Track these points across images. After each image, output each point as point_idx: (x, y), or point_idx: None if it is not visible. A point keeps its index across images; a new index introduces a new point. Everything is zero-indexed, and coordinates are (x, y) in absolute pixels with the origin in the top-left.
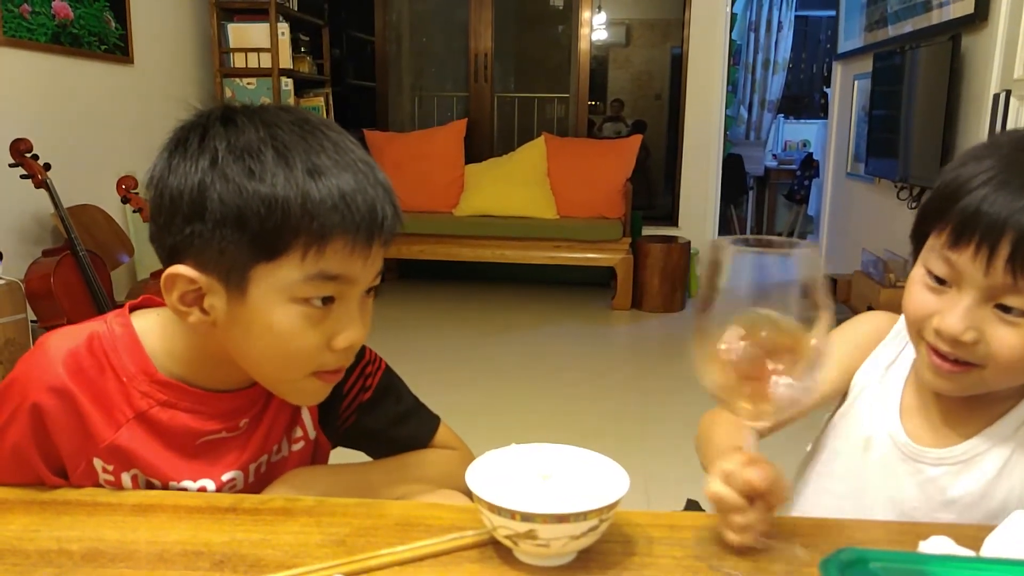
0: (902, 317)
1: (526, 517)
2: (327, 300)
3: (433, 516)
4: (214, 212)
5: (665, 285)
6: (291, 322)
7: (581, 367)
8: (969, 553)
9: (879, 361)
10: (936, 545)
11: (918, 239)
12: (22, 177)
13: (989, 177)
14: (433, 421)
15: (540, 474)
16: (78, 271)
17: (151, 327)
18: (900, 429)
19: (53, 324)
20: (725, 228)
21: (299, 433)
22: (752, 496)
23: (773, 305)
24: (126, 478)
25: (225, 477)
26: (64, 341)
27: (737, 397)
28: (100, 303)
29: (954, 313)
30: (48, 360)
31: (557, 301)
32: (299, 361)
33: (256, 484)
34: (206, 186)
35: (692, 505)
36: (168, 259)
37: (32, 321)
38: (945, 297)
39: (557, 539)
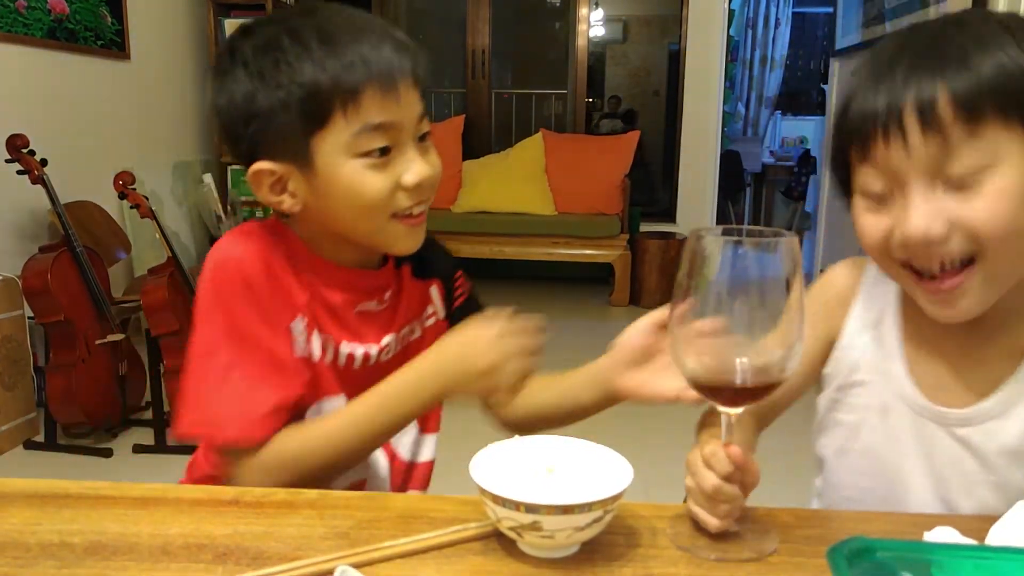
0: (869, 263)
1: (530, 508)
2: (384, 151)
3: (436, 508)
4: (261, 107)
5: (663, 281)
6: (358, 173)
7: (579, 362)
8: (974, 543)
9: (863, 320)
10: (941, 535)
11: (843, 174)
12: (18, 173)
13: (864, 76)
14: None
15: (544, 466)
16: (75, 267)
17: (293, 224)
18: (915, 391)
19: (50, 320)
20: (723, 224)
21: (430, 311)
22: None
23: (750, 295)
24: (316, 342)
25: (384, 341)
26: (242, 230)
27: (712, 384)
28: (97, 299)
29: (907, 215)
30: (239, 240)
31: (555, 297)
32: (377, 206)
33: (402, 354)
34: (250, 90)
35: None
36: (248, 164)
37: (29, 317)
38: (892, 209)
39: (561, 530)
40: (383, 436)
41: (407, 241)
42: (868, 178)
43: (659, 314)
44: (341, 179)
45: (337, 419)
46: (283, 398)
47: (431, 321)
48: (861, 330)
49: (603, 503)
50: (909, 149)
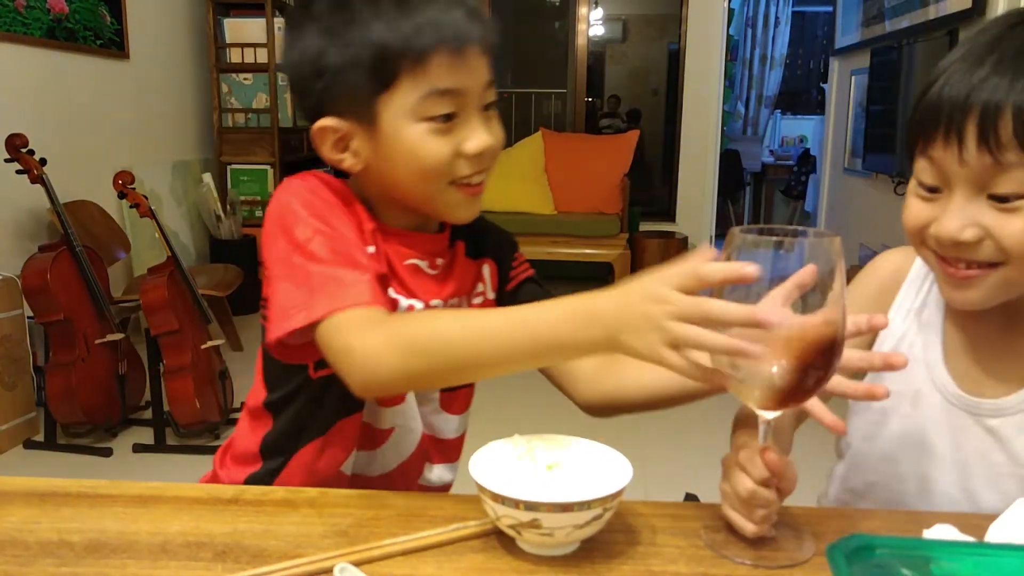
0: None
1: (530, 506)
2: (449, 117)
3: (435, 506)
4: (330, 64)
5: None
6: (420, 137)
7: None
8: (973, 540)
9: (906, 306)
10: (940, 532)
11: (910, 152)
12: (18, 172)
13: (952, 62)
14: None
15: (543, 464)
16: (74, 267)
17: (351, 182)
18: (949, 379)
19: (50, 320)
20: (722, 223)
21: (480, 288)
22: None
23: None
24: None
25: (432, 302)
26: (306, 173)
27: (748, 386)
28: (97, 299)
29: (946, 215)
30: (309, 173)
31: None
32: (437, 171)
33: None
34: (321, 46)
35: (690, 499)
36: (313, 120)
37: (29, 317)
38: (938, 203)
39: (561, 528)
40: (517, 357)
41: (464, 209)
42: (924, 170)
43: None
44: (403, 142)
45: (463, 321)
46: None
47: (479, 300)
48: (904, 316)
49: (602, 501)
50: (963, 159)
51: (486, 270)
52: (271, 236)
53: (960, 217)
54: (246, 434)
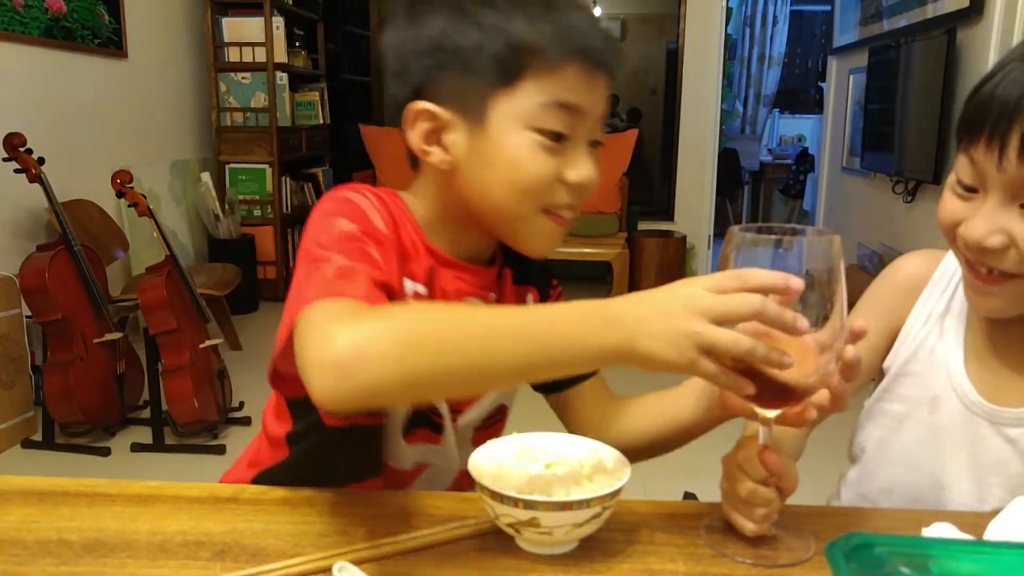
0: (946, 256)
1: (528, 505)
2: (559, 137)
3: (434, 505)
4: (453, 45)
5: (661, 279)
6: (527, 149)
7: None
8: (972, 538)
9: (928, 311)
10: (939, 531)
11: (957, 144)
12: (16, 172)
13: (1012, 59)
14: None
15: (542, 462)
16: (73, 266)
17: (408, 198)
18: (969, 386)
19: (48, 319)
20: (721, 223)
21: None
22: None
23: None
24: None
25: None
26: (361, 187)
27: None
28: (95, 298)
29: (976, 218)
30: (365, 186)
31: None
32: (533, 192)
33: None
34: (448, 26)
35: (689, 498)
36: (408, 102)
37: (27, 316)
38: (972, 204)
39: (559, 527)
40: (533, 360)
41: (546, 241)
42: (963, 168)
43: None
44: (508, 148)
45: (466, 317)
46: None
47: None
48: (925, 321)
49: (601, 500)
50: (1003, 165)
51: (529, 299)
52: (300, 252)
53: (989, 223)
54: (264, 459)
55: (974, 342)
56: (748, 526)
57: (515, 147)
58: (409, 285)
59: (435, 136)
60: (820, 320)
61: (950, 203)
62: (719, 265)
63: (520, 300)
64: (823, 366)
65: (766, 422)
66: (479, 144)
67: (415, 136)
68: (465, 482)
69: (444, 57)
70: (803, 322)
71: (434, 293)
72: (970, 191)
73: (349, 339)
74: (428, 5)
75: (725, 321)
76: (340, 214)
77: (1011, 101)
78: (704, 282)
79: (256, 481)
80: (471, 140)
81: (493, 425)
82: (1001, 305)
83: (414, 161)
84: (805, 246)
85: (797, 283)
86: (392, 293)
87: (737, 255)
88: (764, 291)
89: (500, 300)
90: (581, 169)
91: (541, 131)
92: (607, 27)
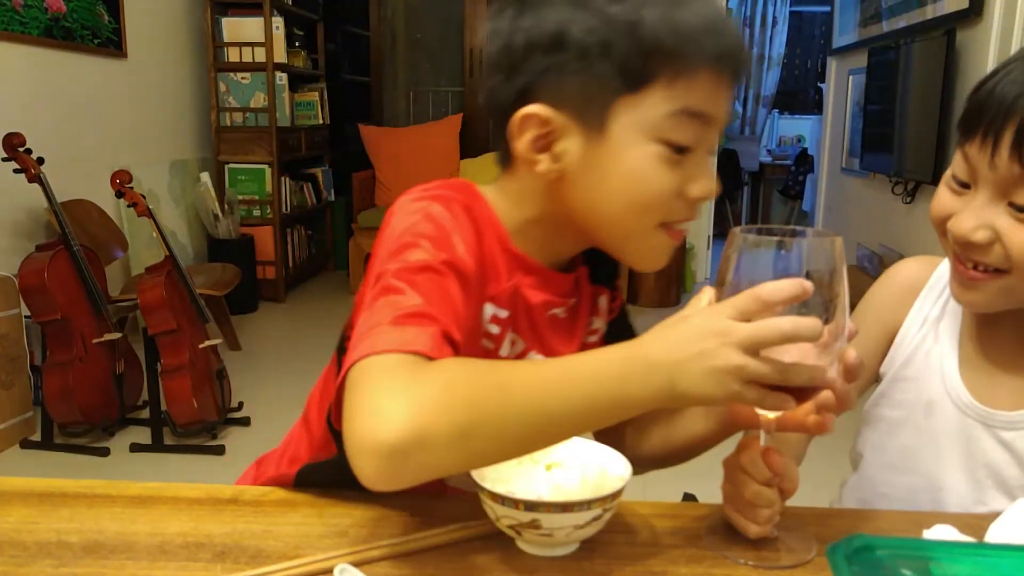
0: (942, 262)
1: (529, 507)
2: (683, 149)
3: (435, 507)
4: (576, 41)
5: (660, 280)
6: (650, 163)
7: None
8: (973, 541)
9: (924, 315)
10: (940, 533)
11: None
12: (15, 171)
13: (1016, 59)
14: None
15: (543, 464)
16: (72, 266)
17: (496, 198)
18: (963, 389)
19: (47, 319)
20: (720, 223)
21: (597, 324)
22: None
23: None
24: (508, 338)
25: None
26: (450, 184)
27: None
28: (94, 298)
29: (964, 213)
30: (452, 212)
31: None
32: (653, 207)
33: None
34: (566, 18)
35: (688, 499)
36: (515, 105)
37: (26, 316)
38: (963, 199)
39: (560, 529)
40: (581, 415)
41: (659, 256)
42: (958, 163)
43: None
44: (629, 161)
45: (520, 373)
46: (457, 322)
47: (594, 338)
48: (920, 325)
49: (602, 501)
50: (994, 162)
51: (603, 302)
52: (371, 269)
53: (976, 218)
54: (304, 455)
55: (968, 346)
56: (751, 528)
57: (637, 160)
58: (490, 310)
59: (546, 142)
60: (822, 321)
61: (943, 197)
62: (720, 267)
63: (594, 302)
64: (825, 367)
65: (768, 424)
66: (596, 154)
67: (523, 143)
68: None
69: (562, 56)
70: (827, 330)
71: (517, 312)
72: (963, 186)
73: (408, 421)
74: None
75: (760, 349)
76: (422, 235)
77: (1007, 100)
78: (727, 311)
79: (301, 475)
80: (587, 149)
81: None
82: (983, 300)
83: (505, 158)
84: (807, 247)
85: (809, 287)
86: (466, 330)
87: (739, 257)
88: (783, 304)
89: (579, 304)
90: (704, 183)
91: (667, 143)
92: (735, 24)
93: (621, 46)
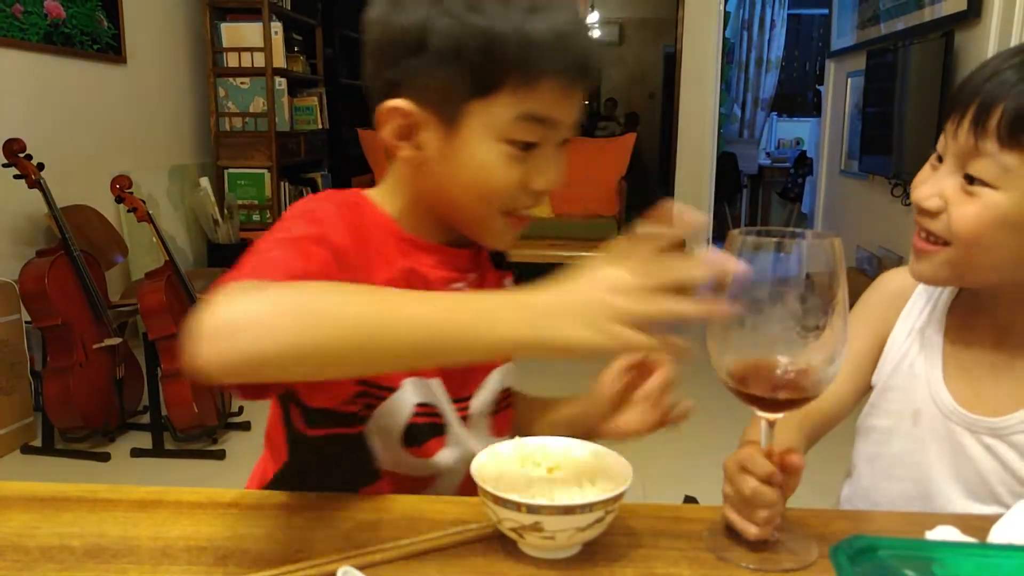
0: None
1: (532, 509)
2: (529, 146)
3: (437, 509)
4: (436, 46)
5: None
6: (496, 159)
7: (575, 365)
8: (976, 541)
9: (911, 324)
10: (943, 534)
11: None
12: (15, 177)
13: (1000, 53)
14: None
15: (544, 466)
16: (72, 271)
17: (378, 195)
18: (948, 397)
19: (47, 324)
20: (720, 226)
21: None
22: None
23: (787, 298)
24: None
25: None
26: (326, 194)
27: (749, 387)
28: (95, 303)
29: (928, 182)
30: (330, 205)
31: None
32: (497, 198)
33: None
34: (431, 21)
35: (689, 501)
36: (384, 94)
37: (26, 321)
38: (935, 172)
39: (563, 531)
40: (410, 350)
41: (504, 239)
42: (940, 139)
43: (625, 360)
44: (478, 155)
45: (365, 295)
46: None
47: None
48: (907, 334)
49: (604, 504)
50: (957, 134)
51: (508, 283)
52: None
53: (933, 186)
54: (270, 473)
55: (953, 353)
56: (751, 530)
57: (484, 157)
58: None
59: (408, 132)
60: (822, 323)
61: (922, 172)
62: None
63: (500, 284)
64: (825, 370)
65: (768, 424)
66: (450, 148)
67: (386, 132)
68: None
69: (424, 58)
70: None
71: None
72: (940, 161)
73: (237, 308)
74: None
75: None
76: (294, 222)
77: (978, 83)
78: (638, 272)
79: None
80: (443, 143)
81: (504, 409)
82: (929, 271)
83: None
84: (806, 249)
85: (738, 268)
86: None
87: (738, 259)
88: (694, 282)
89: (482, 282)
90: (548, 176)
91: (512, 142)
92: (590, 31)
93: (474, 53)
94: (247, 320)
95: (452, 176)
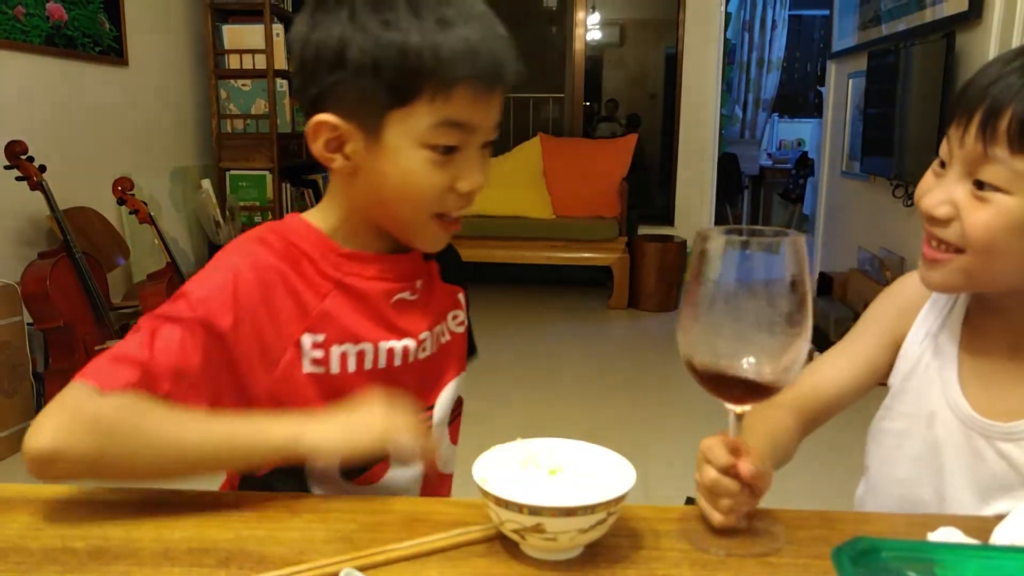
0: None
1: (534, 511)
2: (450, 149)
3: (439, 511)
4: (353, 61)
5: (661, 284)
6: (419, 165)
7: (578, 366)
8: (978, 543)
9: (926, 328)
10: (945, 535)
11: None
12: (17, 179)
13: (1003, 55)
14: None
15: (546, 468)
16: (74, 273)
17: (315, 214)
18: (963, 401)
19: (49, 326)
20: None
21: (460, 316)
22: (741, 482)
23: (758, 296)
24: (335, 353)
25: (421, 336)
26: (252, 235)
27: (716, 380)
28: (96, 305)
29: (934, 189)
30: (251, 247)
31: (554, 301)
32: (425, 202)
33: (437, 355)
34: (347, 37)
35: (691, 503)
36: (311, 109)
37: (28, 323)
38: (940, 179)
39: (565, 533)
40: (212, 464)
41: (436, 241)
42: (943, 147)
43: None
44: (400, 164)
45: (184, 420)
46: (175, 373)
47: (461, 328)
48: (923, 337)
49: (606, 505)
50: (963, 141)
51: (461, 297)
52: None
53: (942, 193)
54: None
55: (969, 358)
56: (715, 516)
57: (407, 164)
58: (308, 340)
59: (336, 144)
60: (788, 318)
61: (926, 179)
62: (693, 264)
63: (451, 295)
64: (789, 364)
65: (735, 416)
66: (376, 157)
67: (317, 147)
68: (437, 484)
69: (343, 73)
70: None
71: (331, 331)
72: (943, 167)
73: (46, 439)
74: (331, 15)
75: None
76: (197, 287)
77: (982, 86)
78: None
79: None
80: (369, 153)
81: (456, 418)
82: (942, 279)
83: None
84: (772, 246)
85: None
86: (192, 378)
87: (709, 256)
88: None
89: (430, 293)
90: (471, 178)
91: (433, 147)
92: (502, 41)
93: (390, 67)
94: (53, 455)
95: (381, 183)
